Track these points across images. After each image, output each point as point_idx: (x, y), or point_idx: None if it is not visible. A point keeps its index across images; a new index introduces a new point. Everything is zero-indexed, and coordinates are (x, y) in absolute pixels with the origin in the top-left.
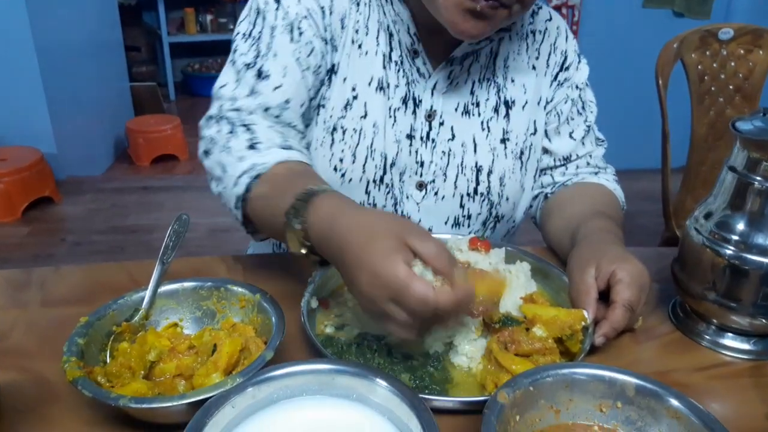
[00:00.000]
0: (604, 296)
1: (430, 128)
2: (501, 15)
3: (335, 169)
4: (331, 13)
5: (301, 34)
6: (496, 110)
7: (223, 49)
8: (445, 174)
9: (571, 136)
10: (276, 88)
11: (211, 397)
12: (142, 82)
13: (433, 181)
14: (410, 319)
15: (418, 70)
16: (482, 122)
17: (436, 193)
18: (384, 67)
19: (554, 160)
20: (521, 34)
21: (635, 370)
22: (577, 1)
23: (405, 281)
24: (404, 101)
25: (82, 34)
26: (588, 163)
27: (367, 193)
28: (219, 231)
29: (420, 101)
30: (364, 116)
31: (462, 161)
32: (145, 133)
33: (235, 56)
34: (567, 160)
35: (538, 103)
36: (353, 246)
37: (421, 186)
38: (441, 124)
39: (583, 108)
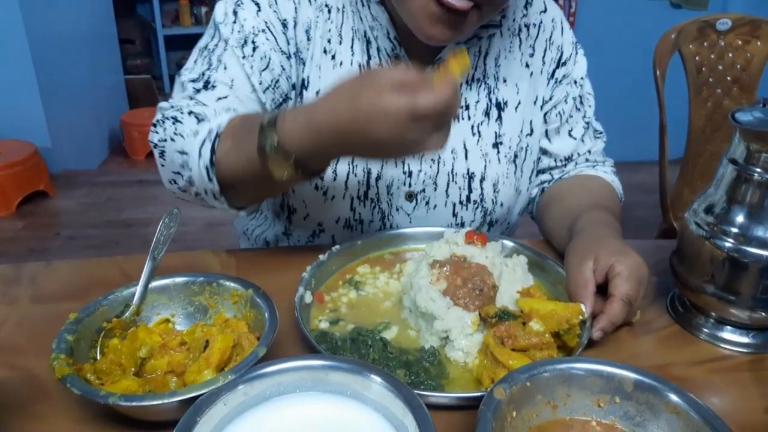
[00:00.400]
0: (602, 289)
1: None
2: (472, 17)
3: (316, 187)
4: (295, 26)
5: (255, 48)
6: (487, 113)
7: None
8: (435, 183)
9: (570, 135)
10: (219, 98)
11: (202, 395)
12: (136, 74)
13: (423, 190)
14: (431, 126)
15: None
16: (472, 126)
17: (427, 203)
18: None
19: (555, 161)
20: (513, 29)
21: (633, 364)
22: None
23: (412, 98)
24: None
25: (75, 27)
26: (587, 159)
27: (353, 209)
28: (216, 224)
29: None
30: None
31: (452, 169)
32: (140, 126)
33: (182, 71)
34: (568, 160)
35: (534, 103)
36: (343, 110)
37: (410, 196)
38: None
39: (582, 103)
